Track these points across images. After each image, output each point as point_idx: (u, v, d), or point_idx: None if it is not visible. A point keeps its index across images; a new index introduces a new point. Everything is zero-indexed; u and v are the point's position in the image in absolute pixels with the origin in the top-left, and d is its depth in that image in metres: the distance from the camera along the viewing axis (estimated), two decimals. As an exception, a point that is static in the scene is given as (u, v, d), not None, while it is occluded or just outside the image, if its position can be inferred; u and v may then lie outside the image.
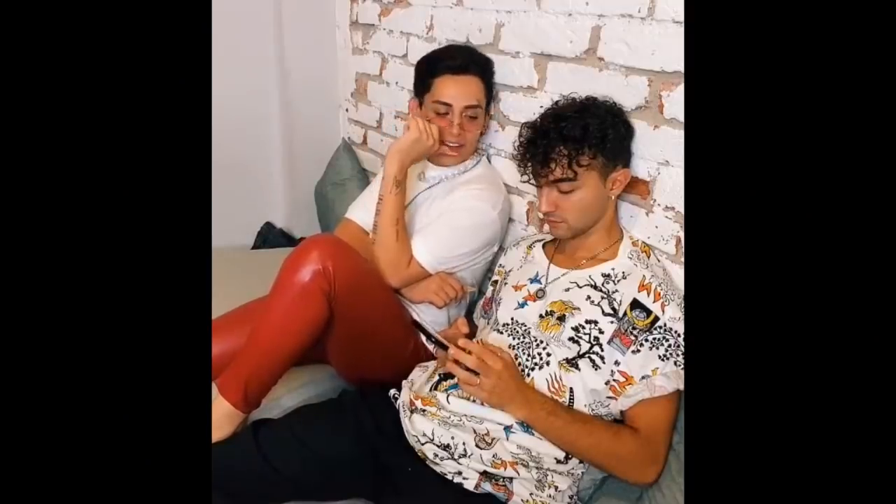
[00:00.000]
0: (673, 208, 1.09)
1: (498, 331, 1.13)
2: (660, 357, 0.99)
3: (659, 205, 1.11)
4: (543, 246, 1.23)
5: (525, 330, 1.09)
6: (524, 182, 1.15)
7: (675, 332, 0.99)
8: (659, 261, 1.11)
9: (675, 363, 0.99)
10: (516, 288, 1.16)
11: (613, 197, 1.09)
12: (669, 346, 0.99)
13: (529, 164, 1.10)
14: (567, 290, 1.08)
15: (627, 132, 1.10)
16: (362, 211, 1.52)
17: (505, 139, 1.45)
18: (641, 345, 0.99)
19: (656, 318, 1.00)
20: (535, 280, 1.15)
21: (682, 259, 1.09)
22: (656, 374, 0.98)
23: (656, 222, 1.12)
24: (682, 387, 0.99)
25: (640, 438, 0.99)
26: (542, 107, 1.18)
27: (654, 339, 0.99)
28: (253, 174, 2.09)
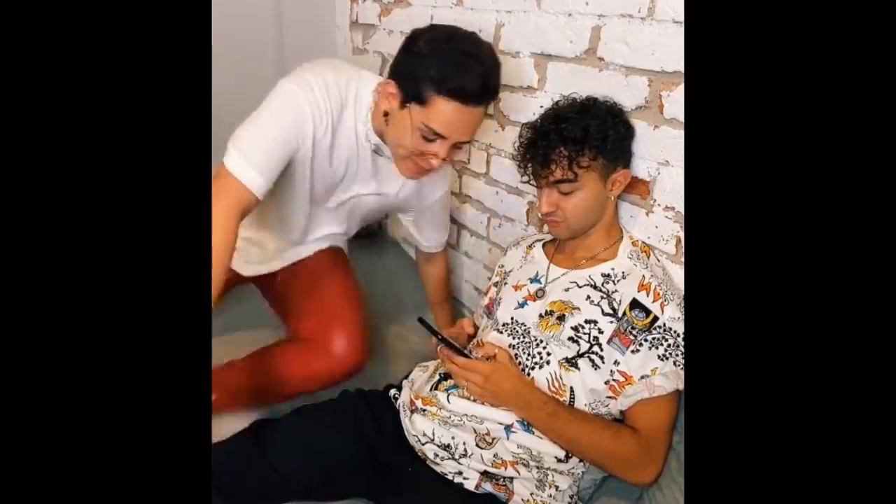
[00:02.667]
0: (673, 208, 1.09)
1: (498, 330, 1.13)
2: (659, 357, 0.99)
3: (659, 205, 1.11)
4: (543, 246, 1.23)
5: (525, 329, 1.09)
6: (524, 182, 1.15)
7: (675, 331, 0.99)
8: (659, 261, 1.11)
9: (675, 363, 0.99)
10: (516, 288, 1.16)
11: (613, 198, 1.10)
12: (669, 345, 0.99)
13: (529, 164, 1.10)
14: (567, 289, 1.08)
15: (628, 133, 1.10)
16: (261, 171, 1.09)
17: (505, 139, 1.45)
18: (641, 345, 0.99)
19: (655, 318, 1.00)
20: (535, 280, 1.15)
21: (682, 259, 1.09)
22: (655, 373, 0.98)
23: (656, 222, 1.12)
24: (681, 386, 0.99)
25: (640, 438, 0.99)
26: (542, 107, 1.18)
27: (654, 338, 0.99)
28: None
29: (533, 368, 1.04)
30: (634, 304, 1.01)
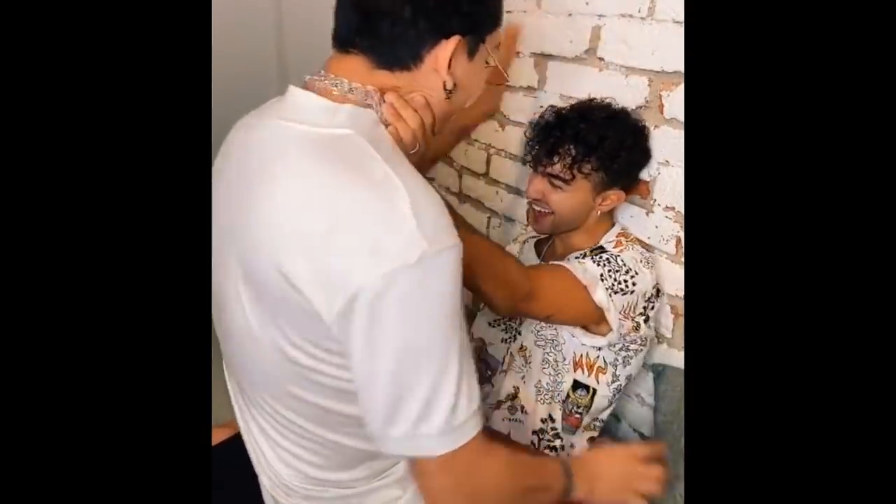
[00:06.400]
0: (673, 208, 1.09)
1: (489, 324, 1.19)
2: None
3: (659, 205, 1.11)
4: (536, 244, 1.24)
5: (518, 324, 1.13)
6: (526, 164, 1.15)
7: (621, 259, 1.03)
8: (645, 250, 1.11)
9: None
10: None
11: (598, 213, 1.09)
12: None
13: (536, 147, 1.09)
14: None
15: (641, 159, 1.08)
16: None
17: (505, 139, 1.45)
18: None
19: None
20: None
21: (682, 259, 1.09)
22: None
23: (656, 222, 1.12)
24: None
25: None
26: (541, 107, 1.18)
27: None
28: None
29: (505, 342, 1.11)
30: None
